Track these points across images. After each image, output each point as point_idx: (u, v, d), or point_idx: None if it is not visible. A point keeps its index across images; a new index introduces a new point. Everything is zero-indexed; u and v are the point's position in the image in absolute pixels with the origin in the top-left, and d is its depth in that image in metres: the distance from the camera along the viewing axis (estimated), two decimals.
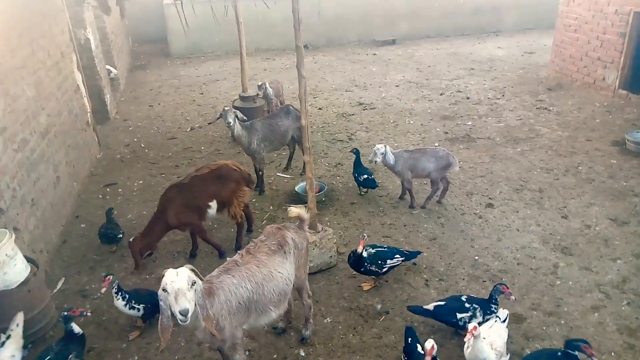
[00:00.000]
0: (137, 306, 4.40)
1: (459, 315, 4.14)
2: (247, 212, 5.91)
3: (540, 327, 4.40)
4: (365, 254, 4.76)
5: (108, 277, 4.33)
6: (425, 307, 4.30)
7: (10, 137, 5.10)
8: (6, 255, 4.17)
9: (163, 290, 3.05)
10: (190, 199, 5.28)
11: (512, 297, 4.19)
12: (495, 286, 4.21)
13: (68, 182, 6.74)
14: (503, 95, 10.81)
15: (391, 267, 4.89)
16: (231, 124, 6.44)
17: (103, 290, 4.32)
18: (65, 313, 3.93)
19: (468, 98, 10.74)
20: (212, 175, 5.41)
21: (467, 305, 4.17)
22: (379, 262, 4.80)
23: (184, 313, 2.95)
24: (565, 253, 5.43)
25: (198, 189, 5.32)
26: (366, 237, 4.76)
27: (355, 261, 4.79)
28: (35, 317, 4.37)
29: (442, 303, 4.26)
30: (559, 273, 5.11)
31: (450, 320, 4.20)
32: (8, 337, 3.79)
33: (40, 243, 5.45)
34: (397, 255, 4.93)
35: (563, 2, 11.43)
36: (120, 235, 5.81)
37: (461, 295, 4.34)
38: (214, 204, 5.42)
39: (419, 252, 5.21)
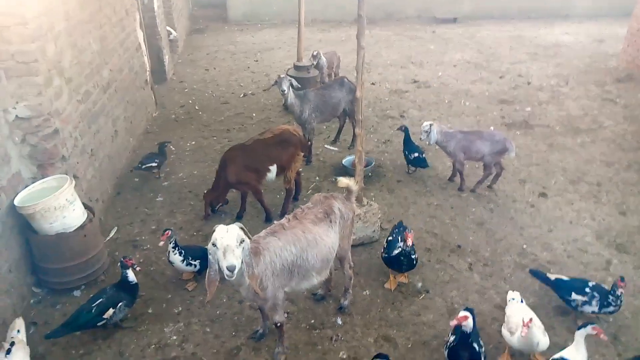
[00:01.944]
0: (193, 262, 4.55)
1: (573, 296, 4.10)
2: (297, 179, 5.98)
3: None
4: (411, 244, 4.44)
5: (167, 231, 4.47)
6: (548, 274, 4.35)
7: (75, 88, 5.29)
8: (66, 200, 4.38)
9: (213, 244, 3.13)
10: (250, 161, 5.43)
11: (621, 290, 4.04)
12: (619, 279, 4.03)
13: (125, 137, 6.97)
14: (567, 83, 10.29)
15: None
16: (285, 92, 6.46)
17: (161, 244, 4.50)
18: (122, 259, 4.12)
19: (529, 83, 10.30)
20: (274, 140, 5.53)
21: (587, 290, 4.08)
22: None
23: (230, 269, 3.01)
24: (620, 250, 5.20)
25: (260, 153, 5.47)
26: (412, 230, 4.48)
27: (409, 260, 4.46)
28: (89, 260, 4.59)
29: (566, 278, 4.26)
30: (611, 270, 4.90)
31: (564, 297, 4.19)
32: (12, 344, 3.45)
33: (96, 192, 5.69)
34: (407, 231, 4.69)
35: None
36: (151, 165, 6.41)
37: (589, 281, 4.21)
38: (274, 168, 5.54)
39: (401, 222, 5.01)
